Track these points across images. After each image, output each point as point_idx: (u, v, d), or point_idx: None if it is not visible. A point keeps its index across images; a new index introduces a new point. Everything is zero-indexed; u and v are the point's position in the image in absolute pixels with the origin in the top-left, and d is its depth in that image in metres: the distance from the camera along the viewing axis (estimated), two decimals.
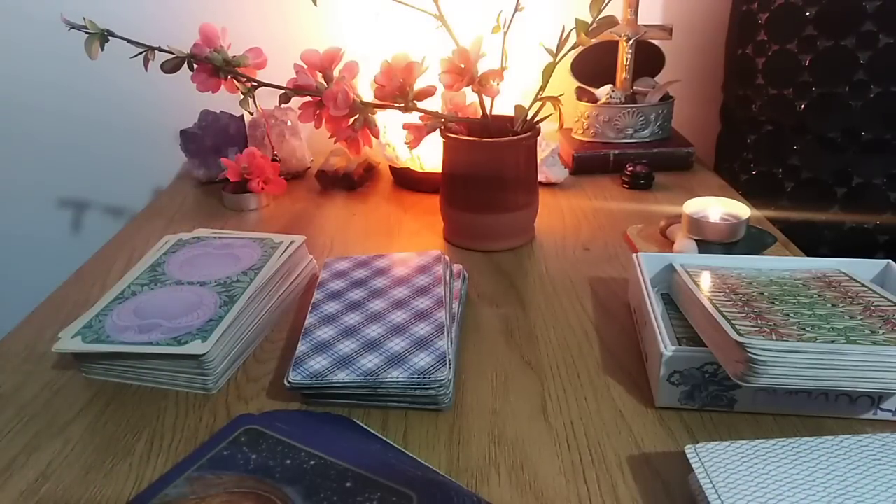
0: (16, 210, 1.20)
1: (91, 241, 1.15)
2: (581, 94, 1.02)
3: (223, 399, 0.51)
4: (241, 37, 0.69)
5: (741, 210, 0.68)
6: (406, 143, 0.70)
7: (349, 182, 0.94)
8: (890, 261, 0.57)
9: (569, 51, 0.63)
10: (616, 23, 0.61)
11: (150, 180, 1.20)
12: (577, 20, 0.61)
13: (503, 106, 0.71)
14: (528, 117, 0.70)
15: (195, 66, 0.66)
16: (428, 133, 0.70)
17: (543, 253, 0.73)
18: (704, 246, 0.67)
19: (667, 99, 0.99)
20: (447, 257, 0.63)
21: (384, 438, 0.45)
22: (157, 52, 0.65)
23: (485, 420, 0.47)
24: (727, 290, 0.52)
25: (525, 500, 0.40)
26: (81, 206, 1.21)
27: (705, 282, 0.54)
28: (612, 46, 0.98)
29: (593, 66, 1.01)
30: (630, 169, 0.91)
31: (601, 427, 0.46)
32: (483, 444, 0.45)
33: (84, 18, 0.62)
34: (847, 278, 0.54)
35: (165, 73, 0.65)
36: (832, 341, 0.42)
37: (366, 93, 0.70)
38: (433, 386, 0.47)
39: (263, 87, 0.67)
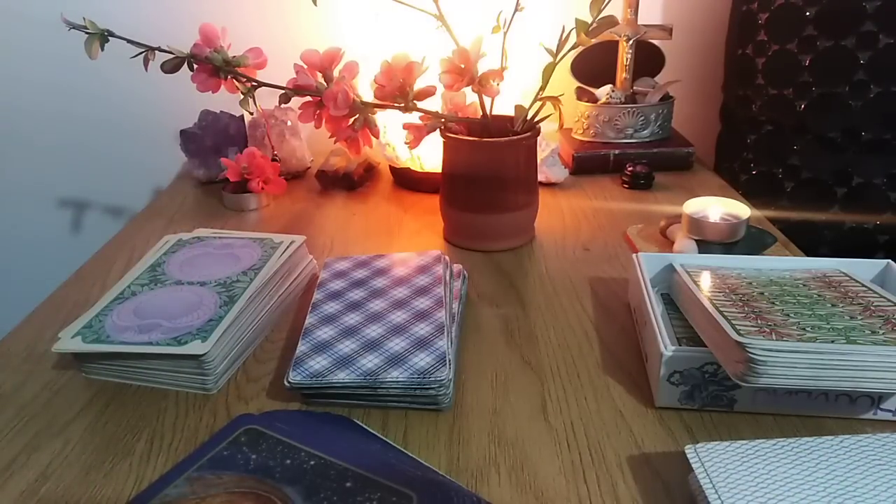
0: (16, 210, 1.20)
1: (91, 241, 1.15)
2: (581, 94, 1.02)
3: (223, 399, 0.51)
4: (240, 37, 0.69)
5: (741, 210, 0.68)
6: (406, 143, 0.70)
7: (349, 182, 0.94)
8: (890, 261, 0.56)
9: (569, 51, 0.63)
10: (616, 23, 0.61)
11: (150, 180, 1.20)
12: (577, 20, 0.61)
13: (503, 106, 0.71)
14: (528, 117, 0.70)
15: (195, 66, 0.66)
16: (428, 133, 0.70)
17: (543, 253, 0.73)
18: (704, 246, 0.67)
19: (667, 99, 0.99)
20: (447, 257, 0.63)
21: (384, 438, 0.45)
22: (157, 52, 0.65)
23: (485, 420, 0.47)
24: (727, 290, 0.52)
25: (525, 500, 0.40)
26: (81, 206, 1.21)
27: (705, 282, 0.54)
28: (612, 46, 0.98)
29: (593, 66, 1.01)
30: (630, 169, 0.91)
31: (601, 427, 0.46)
32: (483, 444, 0.45)
33: (84, 18, 0.62)
34: (847, 278, 0.54)
35: (165, 73, 0.65)
36: (832, 341, 0.42)
37: (366, 93, 0.70)
38: (433, 386, 0.47)
39: (263, 87, 0.67)
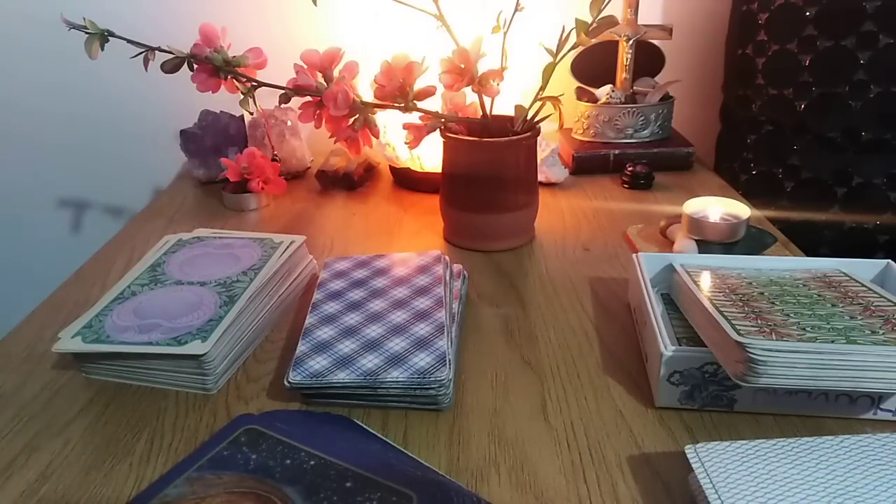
0: (16, 210, 1.20)
1: (91, 241, 1.15)
2: (581, 94, 1.02)
3: (223, 399, 0.51)
4: (240, 37, 0.69)
5: (741, 210, 0.68)
6: (406, 143, 0.70)
7: (349, 182, 0.94)
8: (890, 261, 0.56)
9: (569, 51, 0.63)
10: (616, 23, 0.61)
11: (150, 180, 1.20)
12: (577, 20, 0.61)
13: (503, 106, 0.71)
14: (528, 117, 0.70)
15: (195, 66, 0.66)
16: (428, 133, 0.70)
17: (543, 253, 0.73)
18: (704, 246, 0.67)
19: (667, 99, 0.99)
20: (447, 257, 0.63)
21: (384, 438, 0.45)
22: (157, 52, 0.65)
23: (485, 420, 0.47)
24: (727, 290, 0.52)
25: (525, 500, 0.40)
26: (81, 206, 1.21)
27: (705, 282, 0.54)
28: (612, 46, 0.98)
29: (593, 66, 1.01)
30: (630, 169, 0.91)
31: (601, 427, 0.46)
32: (483, 444, 0.45)
33: (84, 18, 0.62)
34: (847, 278, 0.54)
35: (165, 73, 0.65)
36: (832, 341, 0.42)
37: (366, 93, 0.70)
38: (433, 386, 0.47)
39: (263, 87, 0.67)
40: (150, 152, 1.17)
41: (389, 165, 0.96)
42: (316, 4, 0.65)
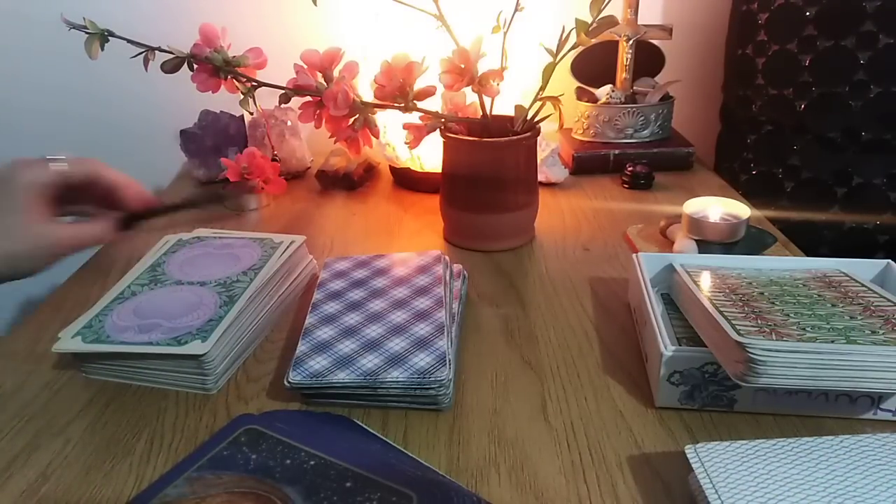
0: None
1: None
2: (581, 94, 1.02)
3: (223, 399, 0.51)
4: (240, 37, 0.69)
5: (741, 210, 0.68)
6: (406, 143, 0.70)
7: (349, 182, 0.94)
8: (890, 261, 0.56)
9: (569, 51, 0.63)
10: (616, 23, 0.61)
11: (150, 180, 1.20)
12: (577, 20, 0.61)
13: (503, 106, 0.71)
14: (528, 117, 0.70)
15: (195, 66, 0.66)
16: (428, 133, 0.70)
17: (543, 253, 0.73)
18: (704, 246, 0.67)
19: (667, 99, 0.99)
20: (447, 257, 0.63)
21: (384, 438, 0.45)
22: (157, 52, 0.65)
23: (485, 420, 0.47)
24: (727, 290, 0.52)
25: (525, 500, 0.40)
26: None
27: (705, 282, 0.54)
28: (612, 46, 0.98)
29: (593, 66, 1.01)
30: (630, 169, 0.91)
31: (601, 427, 0.46)
32: (483, 444, 0.45)
33: (84, 18, 0.62)
34: (847, 278, 0.54)
35: (165, 73, 0.65)
36: (832, 341, 0.42)
37: (366, 93, 0.70)
38: (433, 386, 0.47)
39: (263, 87, 0.67)
40: (150, 152, 1.16)
41: (389, 165, 0.96)
42: (316, 4, 0.65)
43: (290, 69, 0.64)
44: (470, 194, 0.72)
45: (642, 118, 0.97)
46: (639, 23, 0.95)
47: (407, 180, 0.94)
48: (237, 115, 0.98)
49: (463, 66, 0.64)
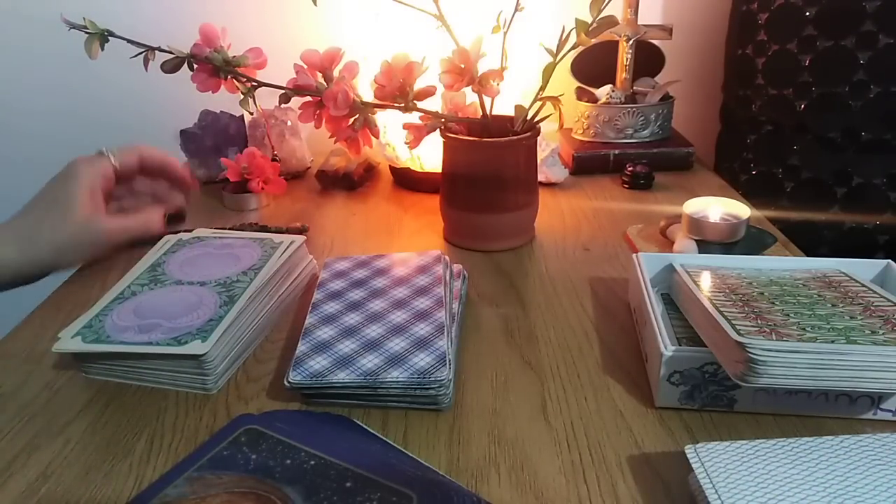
0: (16, 210, 1.19)
1: None
2: (581, 94, 1.02)
3: (223, 399, 0.51)
4: (240, 37, 0.69)
5: (741, 210, 0.68)
6: (406, 143, 0.70)
7: (349, 182, 0.94)
8: (890, 261, 0.56)
9: (569, 51, 0.63)
10: (616, 23, 0.61)
11: None
12: (577, 20, 0.61)
13: (503, 106, 0.71)
14: (528, 117, 0.70)
15: (195, 66, 0.66)
16: (428, 133, 0.70)
17: (543, 253, 0.73)
18: (704, 246, 0.67)
19: (667, 99, 0.99)
20: (447, 257, 0.63)
21: (384, 438, 0.45)
22: (157, 52, 0.65)
23: (485, 420, 0.47)
24: (727, 290, 0.52)
25: (525, 500, 0.40)
26: None
27: (705, 282, 0.54)
28: (612, 46, 0.98)
29: (593, 66, 1.01)
30: (630, 169, 0.91)
31: (601, 427, 0.46)
32: (483, 444, 0.45)
33: (84, 18, 0.62)
34: (847, 278, 0.54)
35: (165, 73, 0.65)
36: (832, 341, 0.42)
37: (366, 93, 0.70)
38: (433, 386, 0.47)
39: (263, 87, 0.67)
40: None
41: (389, 165, 0.96)
42: (316, 4, 0.65)
43: (290, 69, 0.64)
44: (470, 194, 0.72)
45: (642, 118, 0.97)
46: (639, 23, 0.95)
47: (407, 180, 0.94)
48: (237, 115, 0.98)
49: (463, 66, 0.64)
